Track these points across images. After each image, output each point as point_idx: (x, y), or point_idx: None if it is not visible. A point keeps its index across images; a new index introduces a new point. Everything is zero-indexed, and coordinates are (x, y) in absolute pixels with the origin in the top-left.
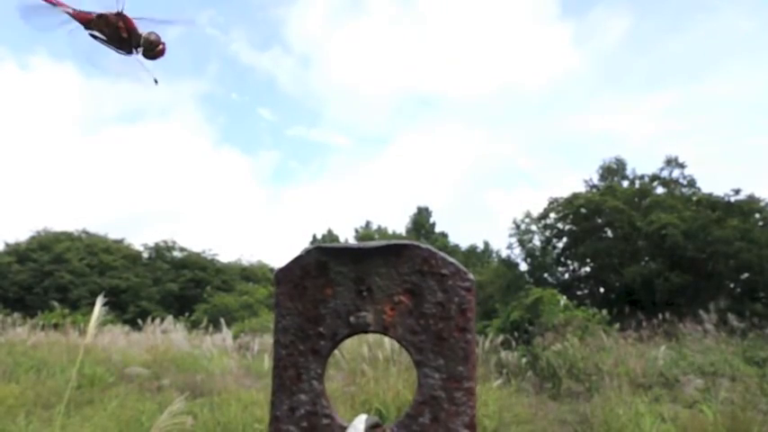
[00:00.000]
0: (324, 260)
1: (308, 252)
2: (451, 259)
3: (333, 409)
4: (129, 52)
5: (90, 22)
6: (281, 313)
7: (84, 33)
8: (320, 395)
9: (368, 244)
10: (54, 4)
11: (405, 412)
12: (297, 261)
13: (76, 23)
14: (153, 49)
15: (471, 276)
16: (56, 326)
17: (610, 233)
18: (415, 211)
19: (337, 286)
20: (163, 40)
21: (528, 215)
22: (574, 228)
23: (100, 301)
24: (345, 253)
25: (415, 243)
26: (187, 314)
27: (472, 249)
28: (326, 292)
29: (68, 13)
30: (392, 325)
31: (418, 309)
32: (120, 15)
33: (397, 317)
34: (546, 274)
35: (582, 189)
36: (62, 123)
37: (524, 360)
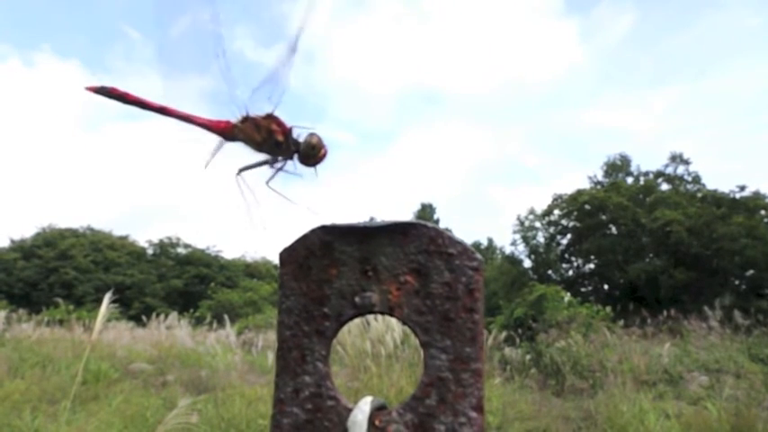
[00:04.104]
0: (328, 240)
1: (312, 231)
2: (459, 239)
3: (338, 390)
4: (286, 160)
5: (233, 129)
6: (285, 294)
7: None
8: (325, 377)
9: (373, 223)
10: (186, 119)
11: (411, 394)
12: (301, 241)
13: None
14: (315, 155)
15: (479, 256)
16: (61, 322)
17: (614, 230)
18: (418, 207)
19: (342, 266)
20: (324, 143)
21: (532, 212)
22: (578, 224)
23: (108, 297)
24: (350, 232)
25: (422, 222)
26: (191, 310)
27: (476, 246)
28: (331, 273)
29: (202, 124)
30: (398, 305)
31: (425, 289)
32: (270, 116)
33: (403, 297)
34: (550, 271)
35: (586, 186)
36: (67, 120)
37: (528, 357)
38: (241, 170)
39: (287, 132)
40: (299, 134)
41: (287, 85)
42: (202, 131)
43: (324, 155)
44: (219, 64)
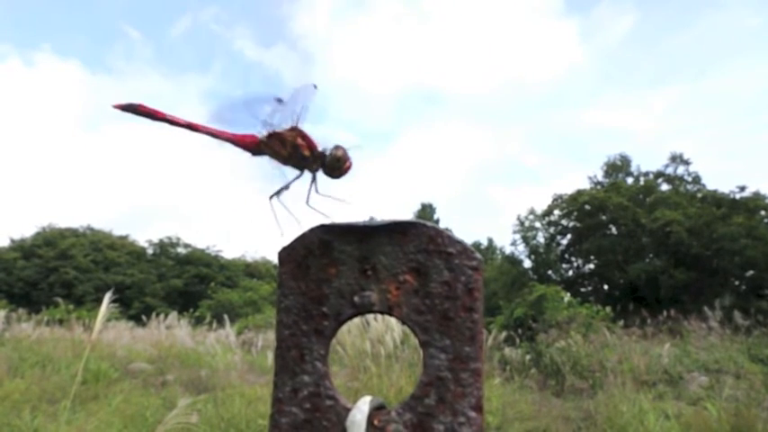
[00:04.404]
0: (327, 239)
1: (311, 230)
2: (458, 238)
3: (336, 390)
4: (312, 173)
5: (259, 144)
6: (284, 293)
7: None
8: (324, 376)
9: (373, 222)
10: (213, 135)
11: (410, 393)
12: (300, 240)
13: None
14: (340, 167)
15: (478, 255)
16: (60, 321)
17: (614, 230)
18: (418, 207)
19: (341, 265)
20: (349, 155)
21: (532, 212)
22: (578, 225)
23: (108, 297)
24: (350, 231)
25: (422, 221)
26: (191, 310)
27: (476, 246)
28: (330, 272)
29: (229, 140)
30: (397, 305)
31: (424, 288)
32: (295, 130)
33: (402, 296)
34: (550, 271)
35: (586, 186)
36: (66, 119)
37: (528, 357)
38: (273, 195)
39: (312, 146)
40: (325, 147)
41: (310, 97)
42: (229, 146)
43: (349, 167)
44: (253, 81)
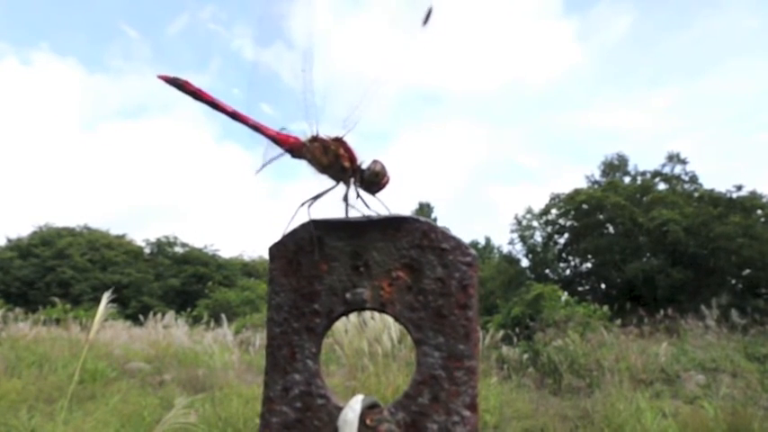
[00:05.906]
0: (319, 234)
1: (302, 226)
2: (452, 233)
3: (328, 389)
4: (347, 183)
5: (302, 147)
6: (275, 290)
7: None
8: (315, 375)
9: (364, 217)
10: (256, 129)
11: (403, 392)
12: (291, 236)
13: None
14: (378, 182)
15: (473, 251)
16: (58, 321)
17: (611, 229)
18: (416, 206)
19: (333, 261)
20: (387, 170)
21: (529, 211)
22: (575, 224)
23: (106, 297)
24: (341, 227)
25: (415, 216)
26: (189, 309)
27: (473, 245)
28: (322, 268)
29: (272, 137)
30: (390, 302)
31: (417, 285)
32: (339, 140)
33: (395, 293)
34: (547, 270)
35: (584, 185)
36: (64, 119)
37: (525, 356)
38: (304, 203)
39: (353, 158)
40: (363, 161)
41: (364, 113)
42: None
43: (386, 182)
44: (303, 80)
